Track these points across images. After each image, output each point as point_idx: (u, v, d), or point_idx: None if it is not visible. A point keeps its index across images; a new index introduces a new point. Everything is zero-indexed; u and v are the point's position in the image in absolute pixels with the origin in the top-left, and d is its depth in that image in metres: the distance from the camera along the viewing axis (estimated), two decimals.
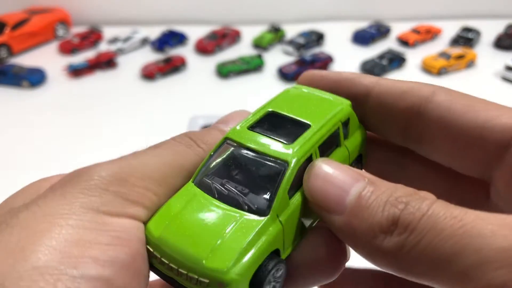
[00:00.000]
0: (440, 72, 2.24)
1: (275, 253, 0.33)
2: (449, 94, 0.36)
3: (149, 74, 2.24)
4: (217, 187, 0.34)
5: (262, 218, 0.32)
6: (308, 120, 0.37)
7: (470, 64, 2.31)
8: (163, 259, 0.32)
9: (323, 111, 0.38)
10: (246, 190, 0.34)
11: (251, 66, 2.29)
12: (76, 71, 2.26)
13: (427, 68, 2.28)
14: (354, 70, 2.30)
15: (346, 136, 0.40)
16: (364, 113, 0.39)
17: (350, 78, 0.39)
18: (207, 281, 0.30)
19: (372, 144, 0.43)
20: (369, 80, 0.38)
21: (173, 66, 2.29)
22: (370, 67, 2.25)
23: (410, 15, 2.79)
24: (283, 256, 0.34)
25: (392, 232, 0.29)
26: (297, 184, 0.35)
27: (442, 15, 2.78)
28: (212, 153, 0.36)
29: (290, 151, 0.34)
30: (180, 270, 0.31)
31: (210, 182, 0.35)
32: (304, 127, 0.37)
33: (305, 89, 0.42)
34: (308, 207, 0.35)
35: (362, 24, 2.67)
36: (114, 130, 1.87)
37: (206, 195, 0.34)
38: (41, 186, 0.34)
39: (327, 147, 0.38)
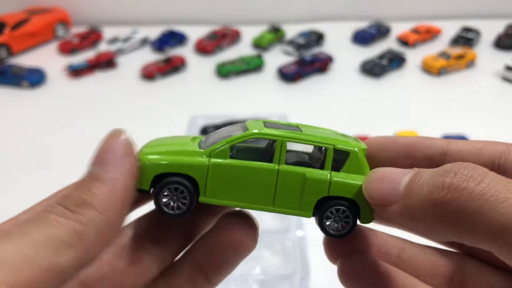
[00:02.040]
0: (440, 72, 2.24)
1: (190, 181, 0.40)
2: None
3: (149, 74, 2.24)
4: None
5: (199, 150, 0.40)
6: (302, 129, 0.43)
7: (470, 64, 2.31)
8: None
9: (328, 135, 0.43)
10: None
11: (251, 66, 2.28)
12: (76, 71, 2.26)
13: (427, 68, 2.28)
14: (354, 70, 2.30)
15: (337, 168, 0.42)
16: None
17: (422, 141, 0.41)
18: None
19: None
20: (442, 141, 0.40)
21: (173, 66, 2.29)
22: (370, 67, 2.25)
23: (410, 15, 2.80)
24: (203, 199, 0.40)
25: (445, 196, 0.31)
26: (245, 156, 0.41)
27: (442, 15, 2.79)
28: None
29: (259, 127, 0.41)
30: None
31: None
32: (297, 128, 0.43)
33: None
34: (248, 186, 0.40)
35: (362, 24, 2.67)
36: None
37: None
38: None
39: (302, 153, 0.43)
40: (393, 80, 2.24)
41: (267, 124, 0.43)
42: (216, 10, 2.81)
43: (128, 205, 0.35)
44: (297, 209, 0.40)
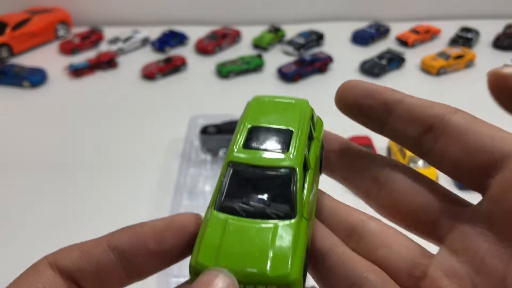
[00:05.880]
0: (439, 72, 2.25)
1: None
2: (469, 116, 0.38)
3: (150, 74, 2.25)
4: (241, 206, 0.36)
5: (292, 220, 0.35)
6: (287, 126, 0.40)
7: (469, 64, 2.32)
8: None
9: (293, 114, 0.42)
10: (267, 202, 0.36)
11: (251, 66, 2.29)
12: (76, 71, 2.27)
13: (426, 68, 2.29)
14: (353, 69, 2.31)
15: (314, 129, 0.43)
16: (388, 118, 0.41)
17: (383, 89, 0.41)
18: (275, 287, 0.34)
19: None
20: (399, 92, 0.41)
21: (173, 66, 2.30)
22: (370, 67, 2.26)
23: (409, 15, 2.80)
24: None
25: None
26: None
27: (441, 15, 2.79)
28: (222, 179, 0.37)
29: (291, 157, 0.37)
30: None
31: (231, 204, 0.36)
32: (287, 133, 0.40)
33: (266, 99, 0.45)
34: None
35: (362, 24, 2.67)
36: (114, 130, 1.88)
37: (235, 216, 0.36)
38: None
39: (309, 143, 0.42)
40: (392, 80, 2.25)
41: (246, 148, 0.39)
42: (216, 10, 2.82)
43: None
44: None
